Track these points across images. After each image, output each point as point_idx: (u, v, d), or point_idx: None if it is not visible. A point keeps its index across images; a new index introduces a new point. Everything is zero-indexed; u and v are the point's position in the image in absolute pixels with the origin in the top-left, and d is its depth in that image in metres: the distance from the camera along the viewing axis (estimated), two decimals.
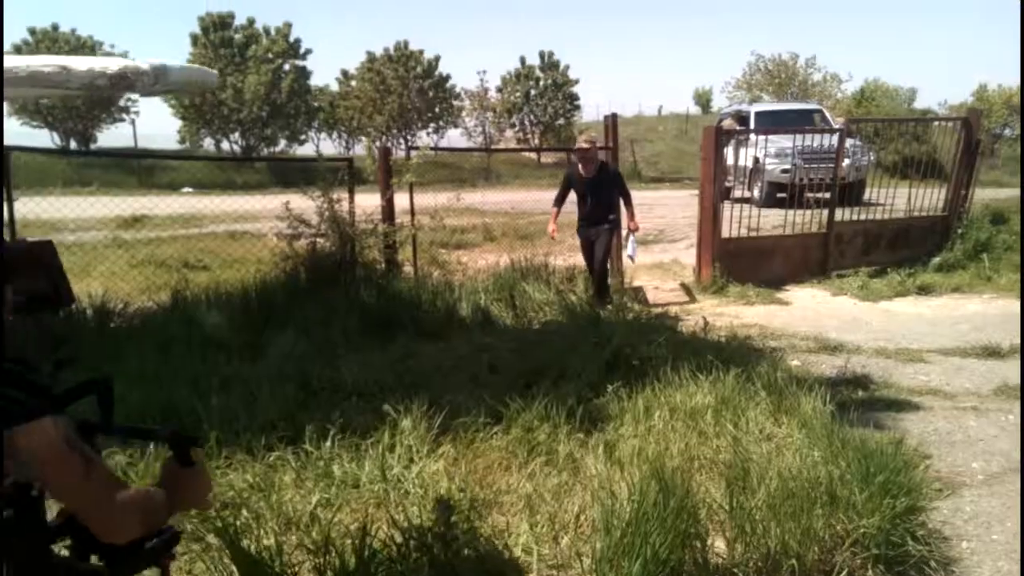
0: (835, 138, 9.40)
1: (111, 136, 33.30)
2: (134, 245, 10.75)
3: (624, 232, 7.38)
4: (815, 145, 9.72)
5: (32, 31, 29.32)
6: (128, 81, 3.12)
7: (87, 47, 30.10)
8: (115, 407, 2.02)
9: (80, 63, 3.13)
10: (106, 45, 31.21)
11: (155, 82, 3.20)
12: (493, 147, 30.77)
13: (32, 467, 1.30)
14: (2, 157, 5.75)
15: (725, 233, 8.51)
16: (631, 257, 7.51)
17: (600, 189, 7.00)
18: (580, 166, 7.06)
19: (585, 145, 7.11)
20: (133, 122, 32.74)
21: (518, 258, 7.82)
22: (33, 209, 8.29)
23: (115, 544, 1.45)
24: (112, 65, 3.12)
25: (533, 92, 31.03)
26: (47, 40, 29.09)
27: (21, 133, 28.24)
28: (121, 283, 7.75)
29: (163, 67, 3.22)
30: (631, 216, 7.15)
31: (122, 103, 32.05)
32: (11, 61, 3.05)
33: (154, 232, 12.37)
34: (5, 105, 26.27)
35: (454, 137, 33.07)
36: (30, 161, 20.63)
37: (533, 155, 30.63)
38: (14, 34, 30.06)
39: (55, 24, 29.73)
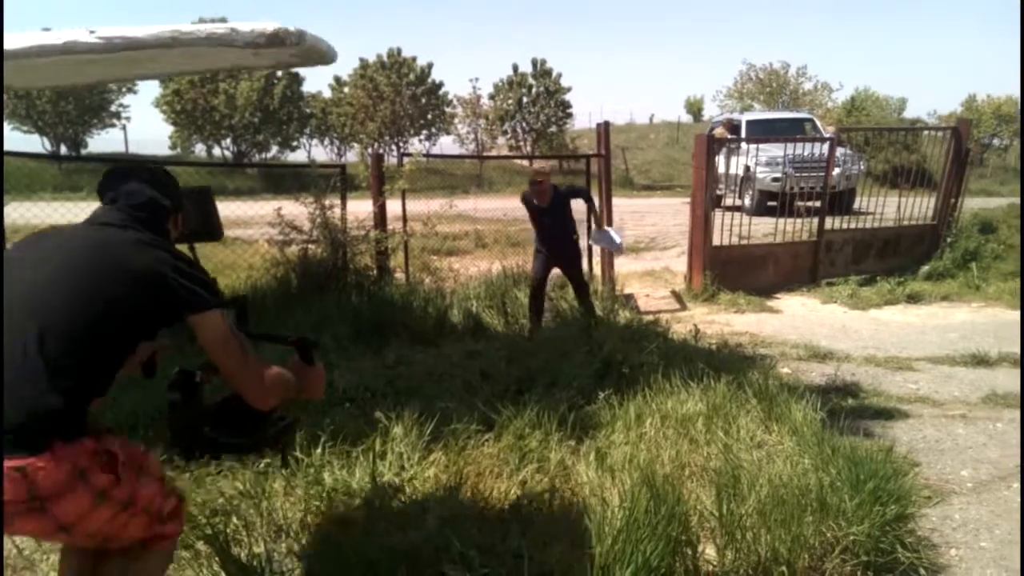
0: (825, 147, 9.46)
1: (102, 141, 33.20)
2: None
3: (593, 228, 7.01)
4: (806, 154, 9.77)
5: None
6: (279, 40, 3.23)
7: None
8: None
9: (244, 25, 3.30)
10: None
11: (297, 42, 3.31)
12: (485, 154, 30.81)
13: (205, 348, 1.96)
14: None
15: (716, 241, 8.55)
16: (619, 247, 7.18)
17: (556, 217, 6.39)
18: (535, 197, 6.40)
19: (538, 179, 6.38)
20: (124, 127, 32.72)
21: (510, 265, 7.81)
22: (23, 214, 8.22)
23: (258, 417, 2.24)
24: (269, 27, 3.26)
25: (525, 99, 31.09)
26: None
27: (12, 138, 28.14)
28: None
29: (302, 32, 3.33)
30: (598, 223, 6.93)
31: (113, 108, 32.02)
32: (188, 27, 3.28)
33: None
34: None
35: (446, 144, 33.14)
36: (21, 166, 20.55)
37: (525, 162, 30.66)
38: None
39: (46, 28, 29.57)
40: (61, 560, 2.19)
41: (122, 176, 2.20)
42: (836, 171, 10.22)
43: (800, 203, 9.38)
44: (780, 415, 3.90)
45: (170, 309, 1.95)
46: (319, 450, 3.43)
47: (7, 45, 3.17)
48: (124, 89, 32.28)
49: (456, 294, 7.31)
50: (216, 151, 31.75)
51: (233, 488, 3.16)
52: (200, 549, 2.82)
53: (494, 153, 31.45)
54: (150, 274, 1.93)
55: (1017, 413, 4.65)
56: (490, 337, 6.34)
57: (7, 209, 6.03)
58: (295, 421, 1.90)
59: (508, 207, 13.79)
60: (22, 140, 28.80)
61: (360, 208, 7.65)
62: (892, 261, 9.47)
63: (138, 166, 2.36)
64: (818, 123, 17.27)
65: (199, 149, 32.17)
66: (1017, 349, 6.00)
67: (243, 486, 3.18)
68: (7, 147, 5.77)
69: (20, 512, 1.70)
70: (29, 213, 8.46)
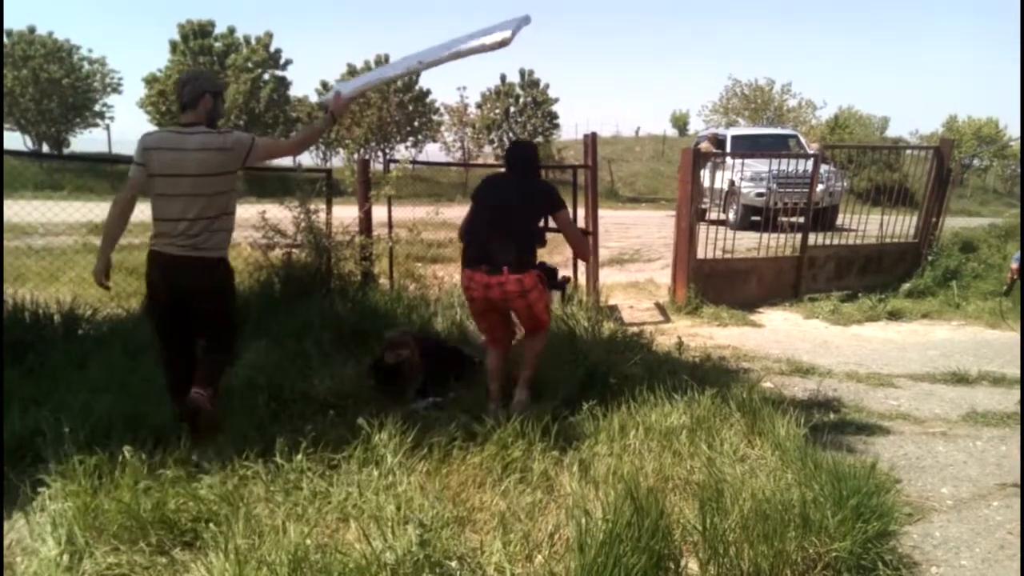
0: (809, 163, 9.54)
1: (85, 141, 32.96)
2: None
3: None
4: (790, 170, 9.85)
5: (8, 33, 28.93)
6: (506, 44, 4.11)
7: (64, 50, 29.80)
8: (78, 416, 2.35)
9: (492, 37, 4.10)
10: (84, 49, 30.93)
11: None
12: (472, 162, 30.81)
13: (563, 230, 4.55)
14: None
15: (701, 254, 8.58)
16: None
17: None
18: None
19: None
20: (108, 127, 32.45)
21: None
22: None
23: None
24: (508, 35, 4.07)
25: (513, 109, 31.17)
26: (23, 43, 28.73)
27: None
28: (91, 289, 7.58)
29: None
30: None
31: (97, 108, 31.78)
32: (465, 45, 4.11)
33: (126, 239, 12.16)
34: None
35: (433, 151, 33.09)
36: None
37: None
38: None
39: (32, 27, 29.38)
40: (490, 355, 4.58)
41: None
42: (820, 187, 10.31)
43: (784, 218, 9.45)
44: (763, 429, 3.90)
45: (551, 208, 4.39)
46: (299, 456, 3.38)
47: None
48: (108, 89, 32.08)
49: (440, 302, 7.28)
50: None
51: (212, 493, 3.11)
52: (176, 556, 2.77)
53: (480, 161, 31.49)
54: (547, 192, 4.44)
55: (996, 432, 4.69)
56: (474, 346, 6.31)
57: None
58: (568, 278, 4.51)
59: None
60: (4, 137, 28.45)
61: (345, 214, 7.61)
62: (874, 278, 9.55)
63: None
64: (802, 140, 17.43)
65: None
66: (996, 368, 6.06)
67: (222, 491, 3.13)
68: None
69: (517, 297, 4.17)
70: (9, 212, 8.37)
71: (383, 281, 7.72)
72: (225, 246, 3.87)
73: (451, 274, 9.40)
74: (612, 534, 2.50)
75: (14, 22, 33.98)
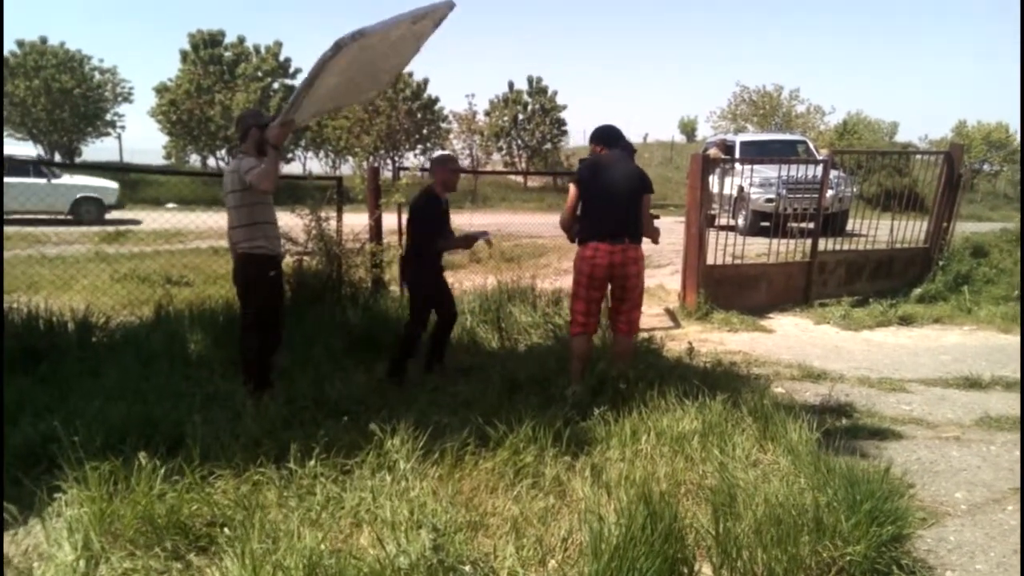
0: (819, 169, 9.51)
1: (97, 150, 33.22)
2: (117, 259, 10.66)
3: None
4: (799, 175, 9.83)
5: (20, 43, 29.21)
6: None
7: (75, 60, 30.05)
8: (93, 422, 2.38)
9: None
10: (95, 59, 31.17)
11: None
12: (480, 169, 30.88)
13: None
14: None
15: (710, 260, 8.57)
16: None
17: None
18: (440, 188, 5.49)
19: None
20: (119, 136, 32.68)
21: (504, 280, 7.80)
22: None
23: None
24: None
25: (521, 116, 31.23)
26: (35, 53, 28.99)
27: (5, 145, 28.01)
28: (104, 297, 7.67)
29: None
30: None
31: (108, 117, 32.01)
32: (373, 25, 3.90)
33: (137, 247, 12.29)
34: None
35: None
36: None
37: (520, 179, 30.78)
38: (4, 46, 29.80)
39: (43, 37, 29.64)
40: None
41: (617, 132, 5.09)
42: (830, 193, 10.29)
43: (793, 224, 9.43)
44: (775, 434, 3.89)
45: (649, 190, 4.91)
46: (312, 462, 3.40)
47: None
48: (119, 98, 32.32)
49: None
50: (211, 162, 31.75)
51: (227, 499, 3.13)
52: (192, 561, 2.79)
53: (489, 169, 31.55)
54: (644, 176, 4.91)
55: (1010, 436, 4.66)
56: (485, 352, 6.33)
57: None
58: None
59: (502, 222, 13.84)
60: (16, 147, 28.69)
61: (355, 221, 7.65)
62: (884, 283, 9.51)
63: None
64: (811, 145, 17.40)
65: (194, 159, 32.16)
66: (1010, 373, 6.03)
67: (236, 497, 3.15)
68: None
69: (633, 263, 4.79)
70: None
71: (393, 288, 7.75)
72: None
73: (460, 281, 9.45)
74: (626, 539, 2.50)
75: (26, 32, 34.33)
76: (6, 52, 29.09)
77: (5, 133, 29.48)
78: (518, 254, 11.91)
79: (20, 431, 3.88)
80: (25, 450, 3.73)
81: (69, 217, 16.80)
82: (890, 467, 3.42)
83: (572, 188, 4.98)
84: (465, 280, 9.56)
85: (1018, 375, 5.95)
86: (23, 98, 28.53)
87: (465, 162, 32.07)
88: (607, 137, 5.04)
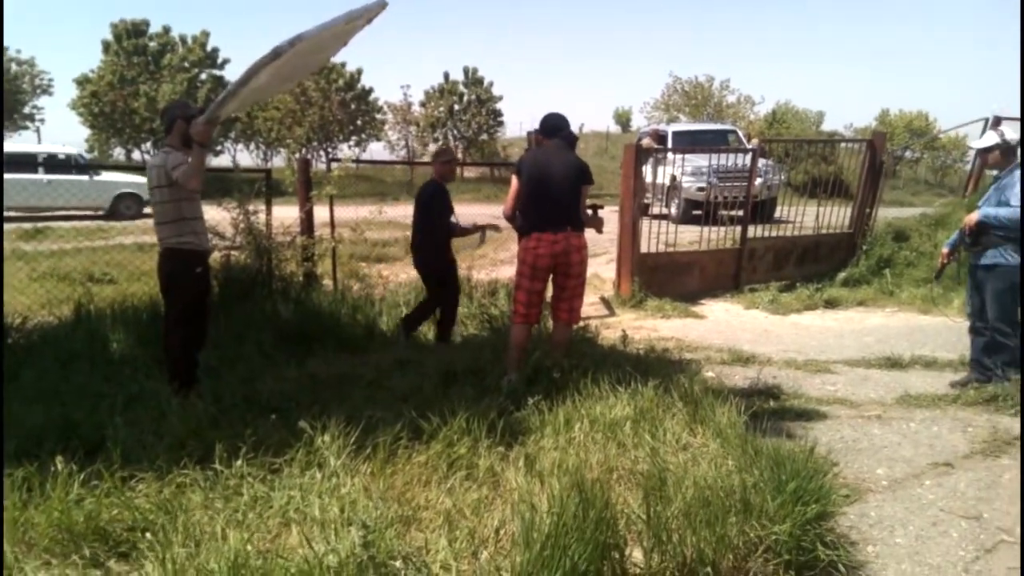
0: (748, 158, 9.71)
1: (15, 144, 31.75)
2: (35, 257, 10.21)
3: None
4: (729, 164, 10.02)
5: None
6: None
7: None
8: (8, 427, 2.28)
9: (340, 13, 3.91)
10: (12, 50, 29.81)
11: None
12: (416, 161, 30.61)
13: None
14: None
15: (644, 248, 8.67)
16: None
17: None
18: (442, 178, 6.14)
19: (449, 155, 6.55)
20: (38, 129, 31.39)
21: None
22: None
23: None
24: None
25: (457, 107, 31.05)
26: None
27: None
28: (21, 297, 7.34)
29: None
30: None
31: (27, 110, 30.69)
32: (310, 29, 3.80)
33: (57, 244, 11.79)
34: None
35: (376, 150, 32.83)
36: None
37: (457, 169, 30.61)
38: None
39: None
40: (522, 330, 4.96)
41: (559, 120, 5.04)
42: (758, 181, 10.52)
43: (724, 212, 9.61)
44: (705, 418, 3.95)
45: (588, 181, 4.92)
46: (239, 462, 3.31)
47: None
48: (38, 91, 31.01)
49: (386, 301, 7.23)
50: (136, 155, 30.70)
51: (148, 502, 3.02)
52: (112, 568, 2.69)
53: (425, 160, 31.31)
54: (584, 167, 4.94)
55: (928, 413, 4.84)
56: (420, 345, 6.28)
57: None
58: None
59: None
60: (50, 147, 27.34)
61: (286, 214, 7.49)
62: (811, 268, 9.79)
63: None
64: (741, 135, 17.77)
65: (118, 152, 31.06)
66: (927, 352, 6.27)
67: (159, 500, 3.05)
68: None
69: (576, 251, 4.84)
70: None
71: (326, 282, 7.63)
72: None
73: (396, 273, 9.35)
74: (558, 527, 2.50)
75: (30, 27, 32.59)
76: None
77: None
78: (455, 246, 11.82)
79: None
80: None
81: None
82: (815, 447, 3.51)
83: (513, 180, 4.97)
84: (401, 272, 9.48)
85: (936, 354, 6.19)
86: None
87: (401, 153, 31.78)
88: (547, 128, 5.05)
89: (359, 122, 31.43)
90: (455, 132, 31.14)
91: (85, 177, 16.84)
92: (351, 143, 31.48)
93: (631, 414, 3.90)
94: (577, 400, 4.12)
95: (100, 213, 16.98)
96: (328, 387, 4.90)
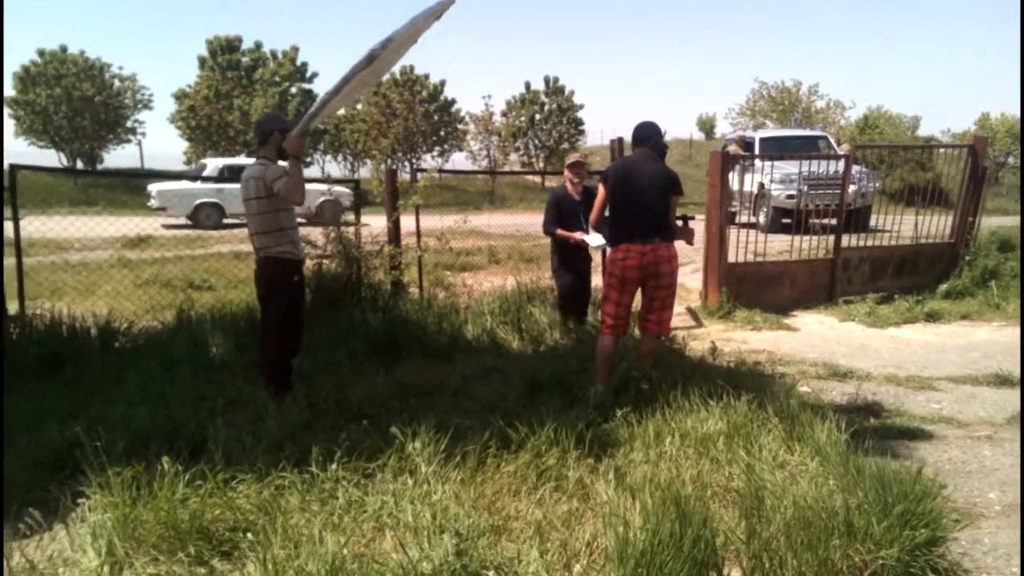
0: (840, 164, 9.39)
1: (118, 157, 33.57)
2: (139, 265, 10.75)
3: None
4: (820, 171, 9.72)
5: (41, 53, 29.55)
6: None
7: (95, 68, 30.37)
8: (117, 428, 2.44)
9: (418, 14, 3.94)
10: (114, 67, 31.49)
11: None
12: (498, 170, 30.87)
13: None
14: (12, 176, 5.77)
15: (732, 258, 8.48)
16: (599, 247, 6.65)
17: (589, 211, 6.00)
18: (571, 187, 6.57)
19: (580, 159, 6.89)
20: (140, 143, 32.99)
21: (524, 281, 7.77)
22: (39, 228, 8.27)
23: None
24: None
25: (538, 117, 31.19)
26: (55, 62, 29.32)
27: (28, 153, 28.37)
28: (126, 303, 7.73)
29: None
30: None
31: (129, 124, 32.32)
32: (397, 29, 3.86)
33: (159, 252, 12.38)
34: (10, 124, 26.44)
35: (459, 160, 33.31)
36: (37, 180, 20.72)
37: (537, 178, 30.75)
38: (23, 56, 30.28)
39: (63, 46, 29.96)
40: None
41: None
42: (852, 188, 10.17)
43: (815, 220, 9.32)
44: (802, 435, 3.82)
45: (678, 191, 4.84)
46: (334, 466, 3.38)
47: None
48: (139, 105, 32.65)
49: (470, 310, 7.27)
50: None
51: (249, 503, 3.12)
52: (215, 566, 2.77)
53: (507, 169, 31.55)
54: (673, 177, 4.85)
55: None
56: (505, 353, 6.30)
57: (23, 223, 6.03)
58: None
59: (521, 223, 13.82)
60: (38, 155, 29.05)
61: (374, 223, 7.65)
62: (910, 279, 9.37)
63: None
64: (832, 141, 17.21)
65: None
66: None
67: (259, 501, 3.14)
68: (24, 161, 5.88)
69: (665, 262, 4.77)
70: (45, 227, 8.53)
71: (413, 290, 7.74)
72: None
73: (480, 282, 9.43)
74: (653, 543, 2.45)
75: (46, 42, 34.65)
76: (27, 61, 29.48)
77: (27, 142, 29.87)
78: (537, 255, 11.85)
79: (45, 436, 3.90)
80: (51, 455, 3.74)
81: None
82: (922, 468, 3.33)
83: (600, 188, 4.96)
84: (484, 281, 9.56)
85: None
86: (44, 106, 28.85)
87: (483, 163, 32.10)
88: (636, 136, 4.99)
89: (442, 133, 31.93)
90: (536, 141, 31.27)
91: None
92: (434, 153, 32.00)
93: (724, 429, 3.81)
94: (667, 413, 4.04)
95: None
96: (415, 394, 4.97)
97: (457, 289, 8.55)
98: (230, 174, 15.51)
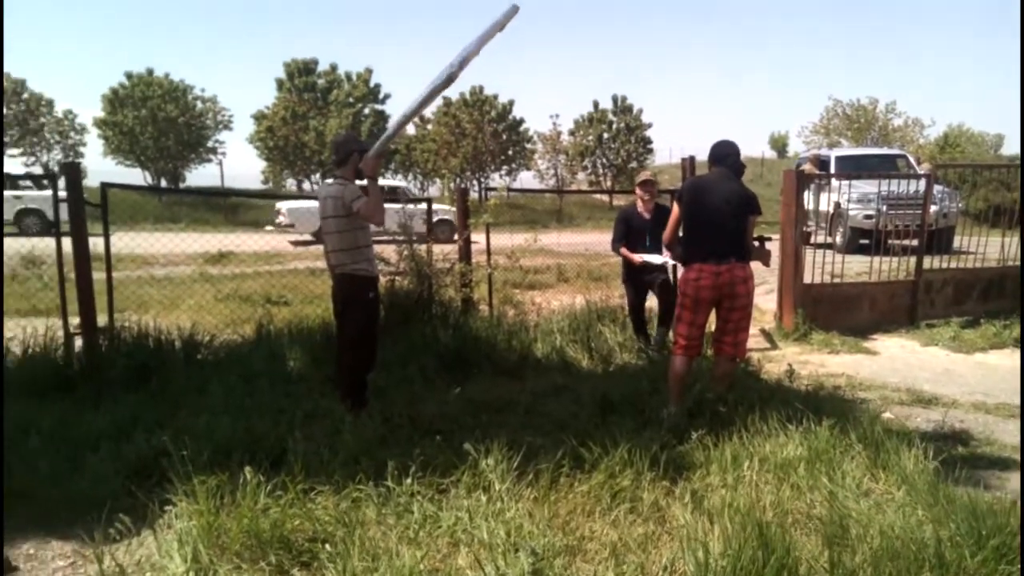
0: (922, 184, 9.09)
1: (199, 176, 34.84)
2: (220, 280, 11.12)
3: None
4: (900, 191, 9.42)
5: (129, 75, 31.01)
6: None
7: (179, 90, 31.69)
8: (201, 438, 2.63)
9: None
10: (197, 89, 32.80)
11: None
12: (565, 189, 30.92)
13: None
14: (103, 193, 6.05)
15: (807, 279, 8.27)
16: (664, 265, 6.84)
17: (658, 230, 6.30)
18: (641, 205, 6.80)
19: (651, 177, 6.97)
20: (220, 163, 34.20)
21: (593, 299, 7.73)
22: (127, 244, 8.63)
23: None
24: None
25: (606, 135, 31.16)
26: (142, 84, 30.71)
27: (115, 172, 29.75)
28: (208, 316, 7.99)
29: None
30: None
31: (210, 144, 33.57)
32: (469, 44, 3.93)
33: (239, 268, 12.77)
34: (99, 144, 27.71)
35: (526, 179, 33.50)
36: (125, 198, 21.67)
37: (605, 197, 30.66)
38: (112, 79, 31.74)
39: (150, 69, 31.39)
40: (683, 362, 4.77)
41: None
42: (933, 208, 9.82)
43: (894, 241, 9.02)
44: (887, 463, 3.69)
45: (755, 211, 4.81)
46: (409, 480, 3.41)
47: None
48: (220, 126, 33.90)
49: (540, 328, 7.27)
50: (306, 185, 32.86)
51: (327, 515, 3.17)
52: (295, 575, 2.83)
53: (574, 188, 31.58)
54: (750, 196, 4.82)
55: None
56: (575, 372, 6.27)
57: (112, 239, 6.30)
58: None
59: (589, 242, 13.78)
60: (125, 173, 30.40)
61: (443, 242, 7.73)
62: (996, 303, 8.97)
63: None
64: (911, 159, 16.68)
65: (290, 183, 33.36)
66: None
67: (337, 513, 3.19)
68: (112, 179, 6.24)
69: (741, 283, 4.65)
70: (132, 243, 8.90)
71: (482, 308, 7.79)
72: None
73: (548, 300, 9.43)
74: (736, 569, 2.39)
75: (133, 65, 36.34)
76: (116, 84, 30.94)
77: (115, 161, 31.30)
78: (606, 273, 11.80)
79: (134, 445, 4.04)
80: (138, 464, 3.88)
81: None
82: (1017, 500, 3.18)
83: (674, 207, 4.95)
84: (553, 300, 9.56)
85: None
86: (131, 127, 30.24)
87: (550, 182, 32.19)
88: (713, 155, 4.95)
89: (510, 152, 32.18)
90: (604, 160, 31.22)
91: (412, 206, 18.32)
92: (502, 172, 32.27)
93: (805, 454, 3.70)
94: (744, 437, 3.96)
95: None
96: (486, 411, 4.99)
97: (526, 307, 8.57)
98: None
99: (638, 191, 6.72)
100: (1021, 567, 2.69)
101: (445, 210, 18.77)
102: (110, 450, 4.03)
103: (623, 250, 6.76)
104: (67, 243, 5.79)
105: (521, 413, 4.96)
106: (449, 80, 3.82)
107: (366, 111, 31.97)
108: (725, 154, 4.89)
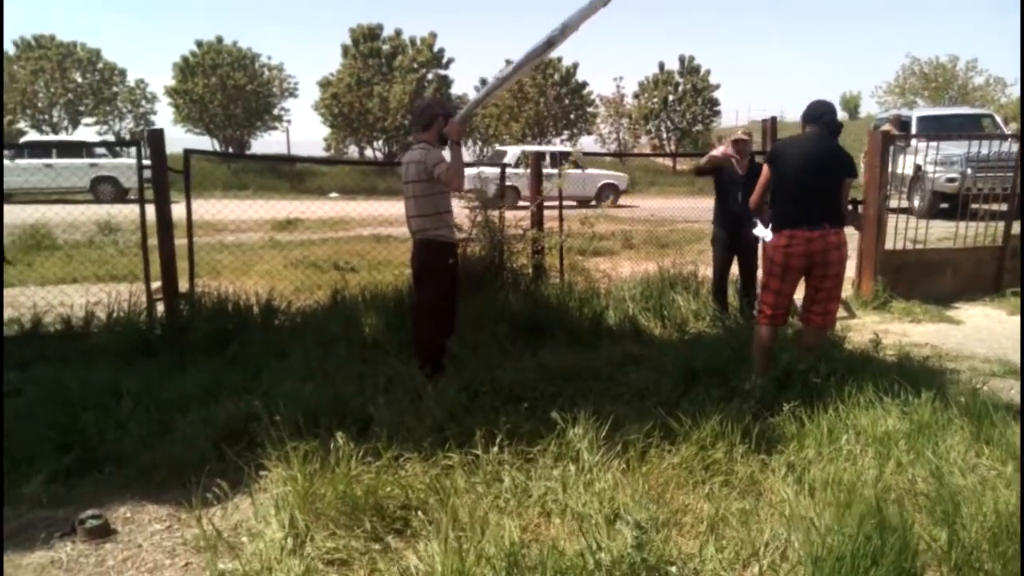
0: (1013, 145, 8.62)
1: (265, 143, 35.37)
2: (288, 246, 11.27)
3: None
4: (987, 152, 8.96)
5: (199, 44, 31.50)
6: None
7: (247, 58, 32.11)
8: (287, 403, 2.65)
9: None
10: (263, 56, 33.17)
11: None
12: (628, 152, 30.48)
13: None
14: (186, 160, 6.14)
15: (889, 245, 7.96)
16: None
17: (750, 185, 6.00)
18: (735, 162, 6.55)
19: (744, 136, 6.72)
20: (287, 130, 34.61)
21: (665, 266, 7.57)
22: (197, 210, 8.77)
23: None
24: None
25: (671, 98, 30.49)
26: (212, 52, 31.19)
27: (185, 139, 30.33)
28: (278, 282, 8.10)
29: None
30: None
31: (276, 112, 33.99)
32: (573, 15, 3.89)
33: (305, 234, 12.94)
34: (169, 112, 28.32)
35: (587, 144, 33.05)
36: (195, 165, 22.14)
37: (668, 162, 30.11)
38: (183, 47, 32.20)
39: (219, 36, 31.83)
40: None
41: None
42: None
43: (980, 206, 8.60)
44: (991, 436, 3.53)
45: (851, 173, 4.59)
46: (496, 449, 3.39)
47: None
48: (286, 93, 34.28)
49: (611, 295, 7.17)
50: (368, 152, 33.06)
51: (419, 482, 3.18)
52: (390, 543, 2.84)
53: (636, 151, 31.09)
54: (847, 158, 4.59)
55: None
56: (648, 340, 6.17)
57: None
58: None
59: (654, 207, 13.57)
60: (195, 140, 31.01)
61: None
62: None
63: None
64: (998, 119, 15.87)
65: (352, 150, 33.61)
66: None
67: (428, 481, 3.19)
68: (181, 147, 6.31)
69: (834, 250, 4.45)
70: (202, 209, 9.06)
71: (552, 275, 7.71)
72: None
73: (616, 267, 9.30)
74: (853, 548, 2.30)
75: (204, 33, 36.96)
76: (186, 51, 31.51)
77: (185, 129, 31.97)
78: (673, 239, 11.60)
79: (223, 408, 4.10)
80: (227, 427, 3.93)
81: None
82: None
83: (764, 169, 4.75)
84: (618, 266, 9.42)
85: None
86: (201, 95, 30.80)
87: (611, 146, 31.74)
88: (807, 115, 4.72)
89: (572, 116, 31.77)
90: (668, 123, 30.60)
91: (579, 171, 19.36)
92: (564, 137, 31.91)
93: (905, 428, 3.56)
94: (839, 409, 3.82)
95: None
96: (562, 379, 4.92)
97: (594, 274, 8.46)
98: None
99: (730, 150, 6.53)
100: (1022, 567, 2.55)
101: (609, 175, 20.54)
102: (199, 414, 4.08)
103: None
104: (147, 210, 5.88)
105: (603, 381, 4.89)
106: (549, 45, 3.74)
107: (430, 76, 31.86)
108: (820, 113, 4.65)
